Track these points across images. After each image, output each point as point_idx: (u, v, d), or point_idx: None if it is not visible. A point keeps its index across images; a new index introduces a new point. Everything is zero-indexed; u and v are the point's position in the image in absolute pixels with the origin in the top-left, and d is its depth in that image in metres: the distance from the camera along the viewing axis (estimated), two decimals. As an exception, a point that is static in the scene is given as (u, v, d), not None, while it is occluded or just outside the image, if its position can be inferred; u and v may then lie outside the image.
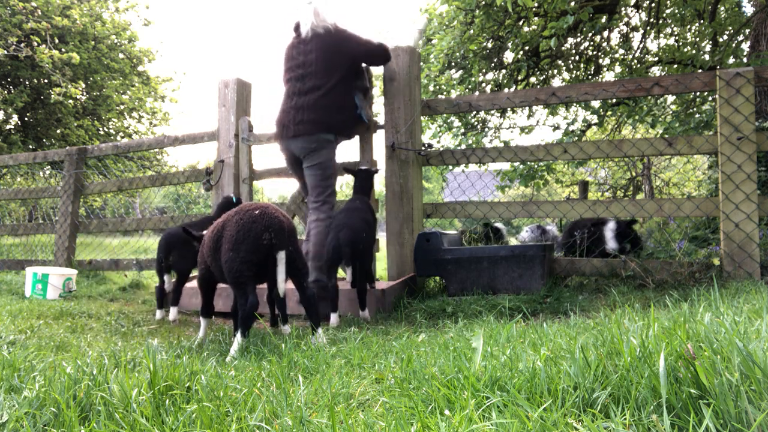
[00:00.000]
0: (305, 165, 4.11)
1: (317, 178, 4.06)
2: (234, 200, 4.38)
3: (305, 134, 4.01)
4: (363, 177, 4.19)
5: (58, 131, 16.07)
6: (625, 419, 1.18)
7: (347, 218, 3.70)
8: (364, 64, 4.31)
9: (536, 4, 6.48)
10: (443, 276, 4.03)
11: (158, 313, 3.98)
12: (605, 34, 7.65)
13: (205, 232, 3.10)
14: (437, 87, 7.16)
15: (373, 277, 4.09)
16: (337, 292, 3.54)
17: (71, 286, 5.00)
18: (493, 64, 7.21)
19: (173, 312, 3.88)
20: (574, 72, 7.99)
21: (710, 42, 7.39)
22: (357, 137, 4.70)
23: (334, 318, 3.50)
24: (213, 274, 2.98)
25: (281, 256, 2.67)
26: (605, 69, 8.02)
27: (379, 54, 4.31)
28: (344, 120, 4.11)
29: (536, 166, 7.04)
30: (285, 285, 2.71)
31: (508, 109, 7.44)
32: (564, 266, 4.17)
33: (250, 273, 2.65)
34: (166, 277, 3.98)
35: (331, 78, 4.06)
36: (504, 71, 7.42)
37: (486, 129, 7.72)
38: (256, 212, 2.69)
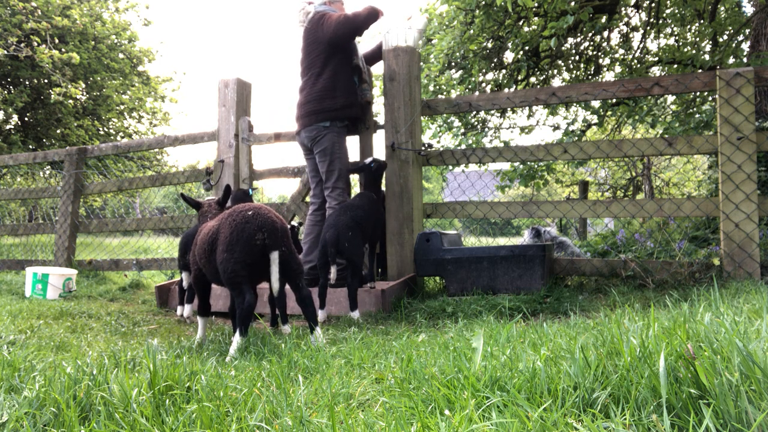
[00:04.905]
0: (314, 154, 4.39)
1: (322, 165, 4.32)
2: (250, 192, 4.40)
3: (306, 126, 4.33)
4: (366, 172, 4.19)
5: (58, 131, 16.06)
6: (625, 419, 1.18)
7: (336, 217, 3.75)
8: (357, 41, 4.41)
9: (536, 4, 6.47)
10: (443, 276, 4.03)
11: (178, 309, 4.18)
12: (605, 34, 7.64)
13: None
14: (437, 87, 7.15)
15: (372, 275, 4.08)
16: (326, 290, 3.65)
17: (71, 286, 5.00)
18: (493, 64, 7.20)
19: (187, 309, 3.93)
20: (574, 72, 7.98)
21: (710, 42, 7.38)
22: (357, 137, 4.70)
23: (321, 314, 3.58)
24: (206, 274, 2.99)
25: (274, 256, 2.68)
26: (605, 69, 8.00)
27: (350, 21, 4.13)
28: (333, 105, 4.23)
29: (536, 166, 7.03)
30: (279, 285, 2.70)
31: (508, 109, 7.43)
32: (564, 266, 4.17)
33: (244, 273, 2.66)
34: (184, 275, 4.02)
35: (313, 69, 4.29)
36: (504, 71, 7.41)
37: (486, 129, 7.71)
38: (249, 213, 2.71)
